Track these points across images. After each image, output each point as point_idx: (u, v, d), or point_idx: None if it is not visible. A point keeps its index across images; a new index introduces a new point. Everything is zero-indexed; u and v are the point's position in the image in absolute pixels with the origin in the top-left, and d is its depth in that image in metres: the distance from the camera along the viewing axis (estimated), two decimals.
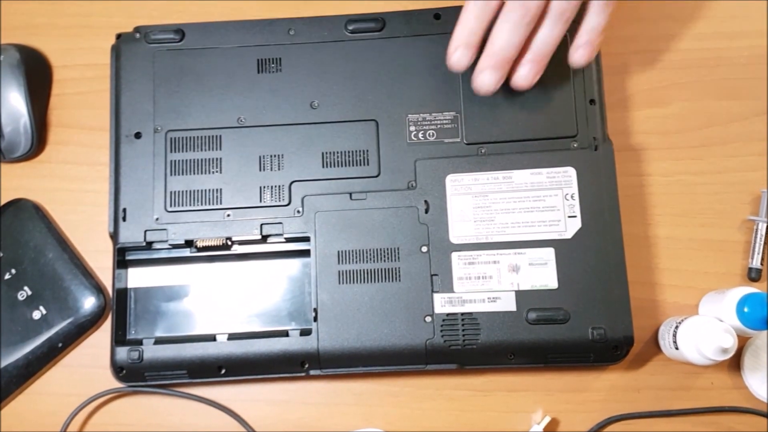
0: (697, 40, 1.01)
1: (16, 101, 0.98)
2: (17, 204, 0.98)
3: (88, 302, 0.94)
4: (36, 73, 1.01)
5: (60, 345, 0.94)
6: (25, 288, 0.94)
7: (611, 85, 0.95)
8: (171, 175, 0.93)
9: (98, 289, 0.95)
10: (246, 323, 0.93)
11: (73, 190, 1.00)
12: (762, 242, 0.94)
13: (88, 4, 1.05)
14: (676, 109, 0.99)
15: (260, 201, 0.92)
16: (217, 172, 0.93)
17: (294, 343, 0.89)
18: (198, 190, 0.93)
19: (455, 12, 0.94)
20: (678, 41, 1.01)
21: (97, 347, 0.96)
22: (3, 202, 0.98)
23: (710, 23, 1.01)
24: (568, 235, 0.90)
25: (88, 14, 1.05)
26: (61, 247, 0.96)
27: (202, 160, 0.93)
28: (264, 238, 0.92)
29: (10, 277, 0.95)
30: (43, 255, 0.95)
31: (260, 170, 0.93)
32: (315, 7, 1.01)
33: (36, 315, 0.94)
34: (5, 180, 1.00)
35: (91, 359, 0.95)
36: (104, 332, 0.96)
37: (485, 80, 0.86)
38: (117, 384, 0.92)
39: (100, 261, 0.97)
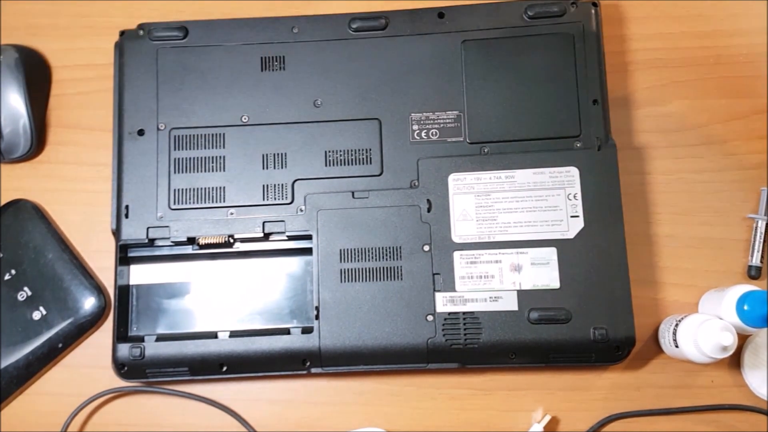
0: (696, 39, 1.02)
1: (16, 102, 0.98)
2: (17, 204, 0.98)
3: (88, 302, 0.94)
4: (35, 74, 1.01)
5: (60, 345, 0.94)
6: (25, 288, 0.94)
7: (611, 84, 0.96)
8: (174, 172, 0.93)
9: (98, 289, 0.95)
10: (248, 321, 0.93)
11: (73, 190, 1.00)
12: (762, 240, 0.94)
13: (87, 4, 1.05)
14: (676, 107, 0.99)
15: (263, 199, 0.92)
16: (220, 170, 0.93)
17: (296, 341, 0.89)
18: (201, 188, 0.93)
19: (459, 11, 0.95)
20: (678, 40, 1.02)
21: (97, 347, 0.96)
22: (3, 203, 0.98)
23: (710, 22, 1.02)
24: (571, 235, 0.90)
25: (87, 14, 1.05)
26: (61, 247, 0.96)
27: (205, 158, 0.94)
28: (266, 236, 0.93)
29: (10, 277, 0.94)
30: (43, 255, 0.95)
31: (263, 168, 0.93)
32: (319, 5, 1.01)
33: (36, 315, 0.93)
34: (5, 180, 1.00)
35: (91, 359, 0.95)
36: (104, 332, 0.96)
37: None
38: (117, 383, 0.92)
39: (101, 261, 0.97)
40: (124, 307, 0.93)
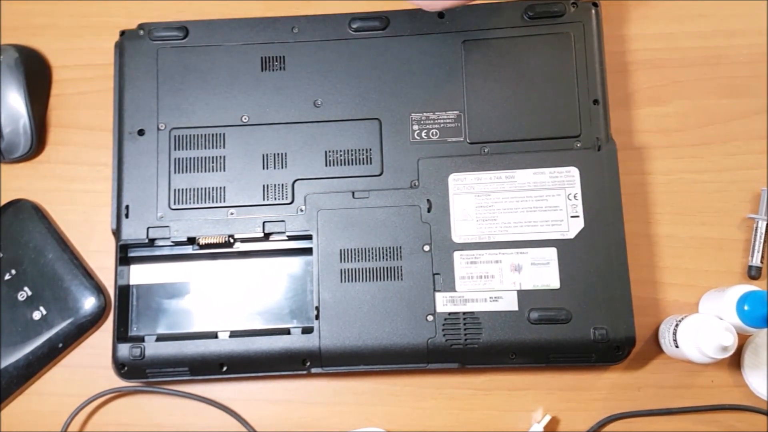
0: (697, 39, 1.01)
1: (16, 102, 0.98)
2: (17, 204, 0.98)
3: (88, 302, 0.94)
4: (35, 74, 1.01)
5: (60, 345, 0.94)
6: (25, 288, 0.94)
7: (611, 84, 0.96)
8: (174, 172, 0.93)
9: (98, 289, 0.95)
10: (248, 321, 0.93)
11: (73, 190, 1.00)
12: (762, 240, 0.94)
13: (87, 4, 1.05)
14: (676, 107, 0.99)
15: (263, 199, 0.92)
16: (220, 170, 0.93)
17: (296, 341, 0.89)
18: (201, 188, 0.93)
19: (459, 11, 0.95)
20: (678, 40, 1.02)
21: (97, 347, 0.96)
22: (3, 203, 0.98)
23: (710, 22, 1.02)
24: (571, 235, 0.90)
25: (87, 14, 1.05)
26: (61, 247, 0.96)
27: (205, 158, 0.94)
28: (266, 236, 0.92)
29: (10, 277, 0.94)
30: (43, 255, 0.95)
31: (264, 168, 0.93)
32: (319, 5, 1.01)
33: (36, 315, 0.93)
34: (5, 180, 1.00)
35: (91, 359, 0.95)
36: (104, 332, 0.96)
37: None
38: (117, 383, 0.92)
39: (100, 261, 0.97)
40: (124, 307, 0.93)
